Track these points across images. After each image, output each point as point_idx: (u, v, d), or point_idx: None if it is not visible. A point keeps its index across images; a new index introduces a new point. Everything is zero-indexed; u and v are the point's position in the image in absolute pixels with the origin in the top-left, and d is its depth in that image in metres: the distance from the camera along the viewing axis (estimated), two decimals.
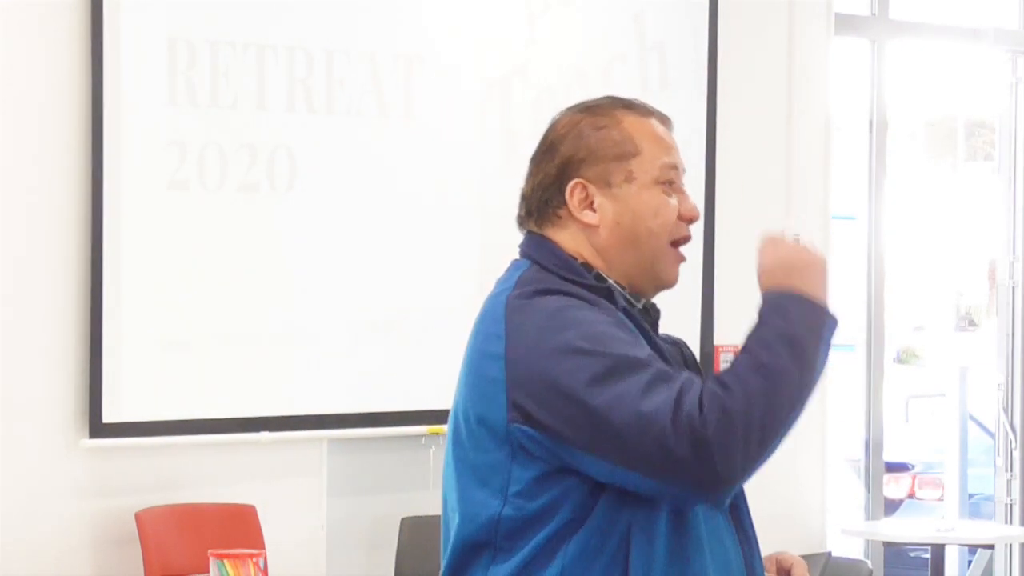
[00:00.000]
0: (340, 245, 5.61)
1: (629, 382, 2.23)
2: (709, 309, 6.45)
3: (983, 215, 9.58)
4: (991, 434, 8.12)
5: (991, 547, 7.43)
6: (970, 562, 7.68)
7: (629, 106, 2.49)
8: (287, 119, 5.54)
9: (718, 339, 6.49)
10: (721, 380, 2.26)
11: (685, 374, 2.29)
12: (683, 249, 2.53)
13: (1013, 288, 7.74)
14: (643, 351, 2.29)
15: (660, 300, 2.49)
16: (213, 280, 5.41)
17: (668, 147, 2.50)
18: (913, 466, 10.19)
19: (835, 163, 7.01)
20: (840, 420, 7.72)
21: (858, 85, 7.32)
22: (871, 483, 7.29)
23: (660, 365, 2.28)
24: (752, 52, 6.66)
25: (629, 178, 2.45)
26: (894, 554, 8.13)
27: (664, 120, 2.52)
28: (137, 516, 5.26)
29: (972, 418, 8.32)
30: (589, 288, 2.38)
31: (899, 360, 16.40)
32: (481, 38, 5.94)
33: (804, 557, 2.75)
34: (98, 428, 5.24)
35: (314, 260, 5.57)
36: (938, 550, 6.73)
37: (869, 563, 6.87)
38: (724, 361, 6.53)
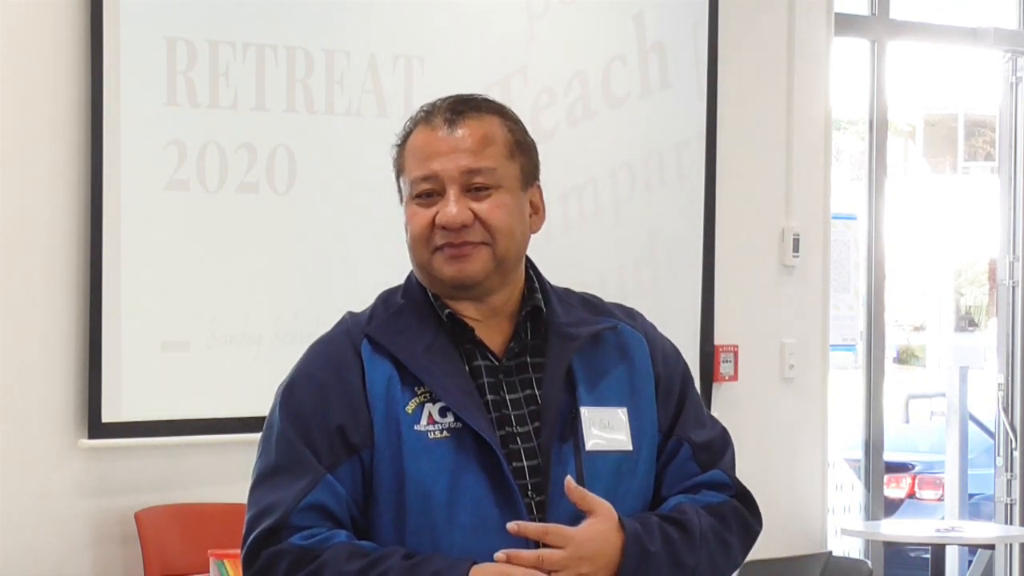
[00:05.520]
0: (340, 245, 5.62)
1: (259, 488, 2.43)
2: (709, 309, 6.45)
3: (983, 215, 9.57)
4: (991, 434, 8.12)
5: (991, 547, 7.43)
6: (970, 562, 7.67)
7: (424, 116, 2.51)
8: (287, 119, 5.53)
9: (718, 339, 6.49)
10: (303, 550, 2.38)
11: (296, 504, 2.39)
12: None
13: (1013, 288, 7.74)
14: (286, 459, 2.42)
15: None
16: (212, 280, 5.41)
17: (424, 158, 2.48)
18: (913, 466, 10.20)
19: (835, 163, 7.01)
20: (840, 420, 7.72)
21: (858, 85, 7.32)
22: (871, 483, 7.29)
23: (284, 490, 2.40)
24: (752, 52, 6.65)
25: (403, 196, 2.54)
26: (894, 554, 8.14)
27: (449, 121, 2.47)
28: (137, 516, 5.25)
29: (972, 418, 8.32)
30: (411, 304, 2.51)
31: (899, 360, 16.41)
32: (481, 38, 5.94)
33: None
34: (97, 428, 5.23)
35: (314, 260, 5.58)
36: (938, 550, 6.73)
37: (869, 563, 6.87)
38: (724, 361, 6.53)
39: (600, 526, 2.36)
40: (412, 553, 2.35)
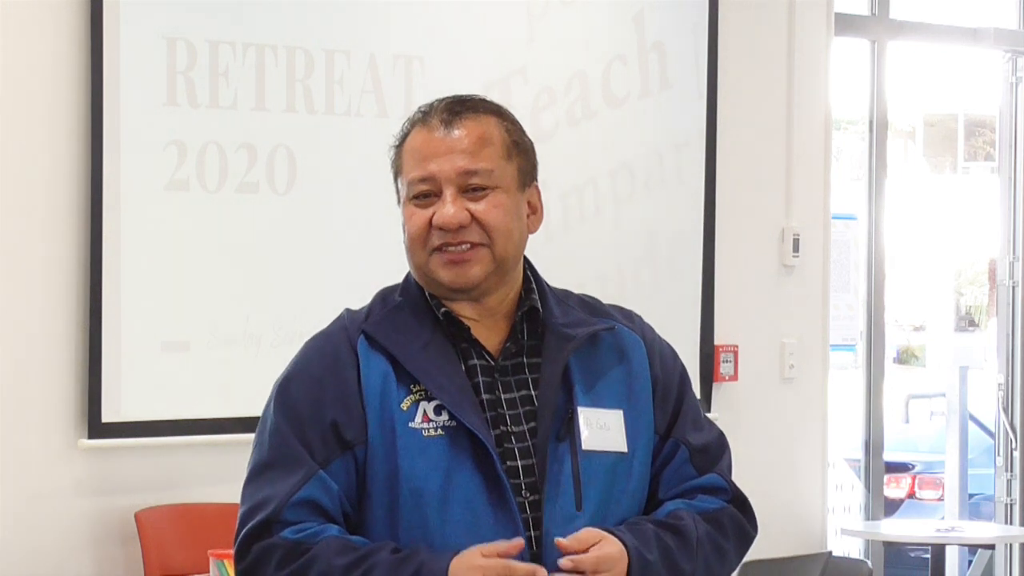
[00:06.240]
0: (340, 245, 5.62)
1: (254, 481, 2.46)
2: (709, 309, 6.44)
3: (983, 215, 9.57)
4: (991, 434, 8.12)
5: (991, 547, 7.43)
6: (970, 562, 7.68)
7: (421, 117, 2.53)
8: (287, 119, 5.53)
9: (718, 339, 6.49)
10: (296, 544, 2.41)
11: (286, 501, 2.42)
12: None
13: (1013, 288, 7.74)
14: (281, 453, 2.43)
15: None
16: (212, 280, 5.41)
17: (421, 159, 2.49)
18: (913, 466, 10.20)
19: (835, 163, 7.02)
20: (840, 420, 7.73)
21: (858, 85, 7.32)
22: (871, 483, 7.29)
23: (281, 484, 2.41)
24: (752, 52, 6.65)
25: (401, 196, 2.54)
26: (894, 554, 8.14)
27: (446, 122, 2.49)
28: (137, 516, 5.25)
29: (972, 418, 8.32)
30: (409, 302, 2.51)
31: (899, 360, 16.41)
32: (481, 38, 5.94)
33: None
34: (97, 428, 5.23)
35: (314, 260, 5.57)
36: (938, 550, 6.73)
37: (869, 563, 6.87)
38: (724, 361, 6.52)
39: (612, 547, 2.37)
40: (401, 548, 2.36)
